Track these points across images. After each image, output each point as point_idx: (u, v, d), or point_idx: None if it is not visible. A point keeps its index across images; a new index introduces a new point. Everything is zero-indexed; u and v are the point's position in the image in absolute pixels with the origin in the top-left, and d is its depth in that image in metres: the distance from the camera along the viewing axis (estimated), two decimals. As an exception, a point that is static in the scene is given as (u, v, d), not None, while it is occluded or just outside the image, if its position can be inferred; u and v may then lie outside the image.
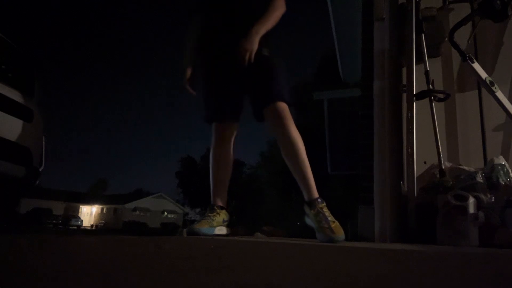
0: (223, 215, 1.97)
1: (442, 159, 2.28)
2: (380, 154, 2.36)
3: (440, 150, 2.30)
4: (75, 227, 32.66)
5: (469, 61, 2.24)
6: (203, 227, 1.86)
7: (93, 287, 0.51)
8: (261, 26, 1.84)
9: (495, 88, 2.21)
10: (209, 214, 1.94)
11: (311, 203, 1.76)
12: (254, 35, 1.81)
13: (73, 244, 1.21)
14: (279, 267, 0.80)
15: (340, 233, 1.63)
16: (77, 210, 46.80)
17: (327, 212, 1.72)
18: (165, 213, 45.80)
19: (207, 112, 2.06)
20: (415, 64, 2.42)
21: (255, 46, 1.81)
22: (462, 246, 1.82)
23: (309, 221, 1.79)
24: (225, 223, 1.98)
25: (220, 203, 2.00)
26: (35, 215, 28.92)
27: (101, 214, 46.28)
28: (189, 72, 2.04)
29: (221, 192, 2.03)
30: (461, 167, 2.25)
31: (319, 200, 1.76)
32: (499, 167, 2.10)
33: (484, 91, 2.43)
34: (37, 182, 3.33)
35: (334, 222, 1.68)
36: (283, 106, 1.85)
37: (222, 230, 1.94)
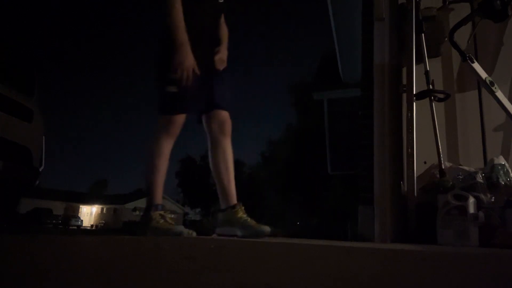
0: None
1: (442, 159, 2.28)
2: (380, 154, 2.36)
3: (440, 150, 2.30)
4: (75, 227, 32.63)
5: (469, 61, 2.24)
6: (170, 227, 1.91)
7: (93, 287, 0.51)
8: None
9: (495, 88, 2.21)
10: (169, 215, 1.97)
11: (232, 207, 2.00)
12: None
13: (73, 244, 1.21)
14: (279, 267, 0.80)
15: (263, 227, 1.89)
16: (77, 210, 46.77)
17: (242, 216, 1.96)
18: (165, 213, 45.69)
19: (172, 102, 2.00)
20: (415, 64, 2.42)
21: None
22: (462, 246, 1.82)
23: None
24: None
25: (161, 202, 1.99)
26: (35, 215, 28.88)
27: (101, 214, 46.27)
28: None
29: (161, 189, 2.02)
30: (461, 167, 2.25)
31: (238, 205, 2.01)
32: (499, 167, 2.10)
33: (484, 91, 2.43)
34: (37, 182, 3.33)
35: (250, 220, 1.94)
36: (228, 116, 2.09)
37: None
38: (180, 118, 2.00)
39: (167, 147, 1.99)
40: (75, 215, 40.66)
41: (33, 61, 3.59)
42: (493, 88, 2.20)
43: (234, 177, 2.08)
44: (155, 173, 1.97)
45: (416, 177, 2.23)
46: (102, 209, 46.50)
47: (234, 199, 2.05)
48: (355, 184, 2.87)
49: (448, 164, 2.30)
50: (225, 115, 2.07)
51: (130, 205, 43.79)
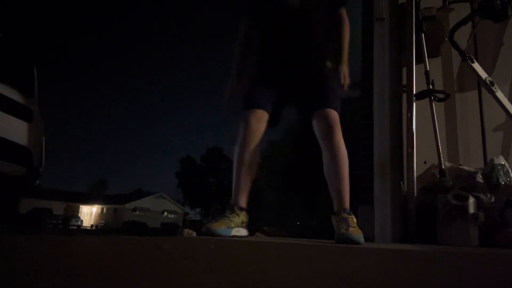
0: (242, 217, 1.91)
1: (442, 159, 2.28)
2: (380, 154, 2.36)
3: (440, 150, 2.30)
4: (75, 227, 32.62)
5: (469, 61, 2.24)
6: (220, 228, 1.82)
7: (93, 287, 0.51)
8: (345, 56, 2.05)
9: (495, 88, 2.21)
10: (228, 215, 1.89)
11: (338, 213, 1.81)
12: (345, 69, 2.02)
13: (73, 244, 1.21)
14: (279, 267, 0.80)
15: (356, 233, 1.65)
16: (77, 210, 46.78)
17: (351, 221, 1.74)
18: (165, 213, 45.80)
19: (252, 98, 2.03)
20: (415, 64, 2.42)
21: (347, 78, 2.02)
22: (462, 246, 1.82)
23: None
24: (244, 225, 1.94)
25: (241, 204, 1.94)
26: (35, 215, 28.88)
27: (101, 214, 46.27)
28: (245, 84, 2.04)
29: (244, 193, 1.96)
30: (461, 167, 2.25)
31: (347, 210, 1.81)
32: (499, 167, 2.10)
33: (484, 91, 2.43)
34: (37, 182, 3.33)
35: (354, 227, 1.71)
36: (335, 115, 1.97)
37: (240, 232, 1.90)
38: (255, 115, 1.98)
39: (247, 149, 1.96)
40: (75, 215, 40.67)
41: (33, 61, 3.60)
42: (493, 88, 2.20)
43: (340, 183, 1.90)
44: (235, 175, 1.98)
45: (416, 177, 2.23)
46: (102, 209, 46.50)
47: (337, 206, 1.89)
48: (355, 184, 2.87)
49: (448, 164, 2.30)
50: (322, 114, 1.96)
51: (130, 205, 43.81)
